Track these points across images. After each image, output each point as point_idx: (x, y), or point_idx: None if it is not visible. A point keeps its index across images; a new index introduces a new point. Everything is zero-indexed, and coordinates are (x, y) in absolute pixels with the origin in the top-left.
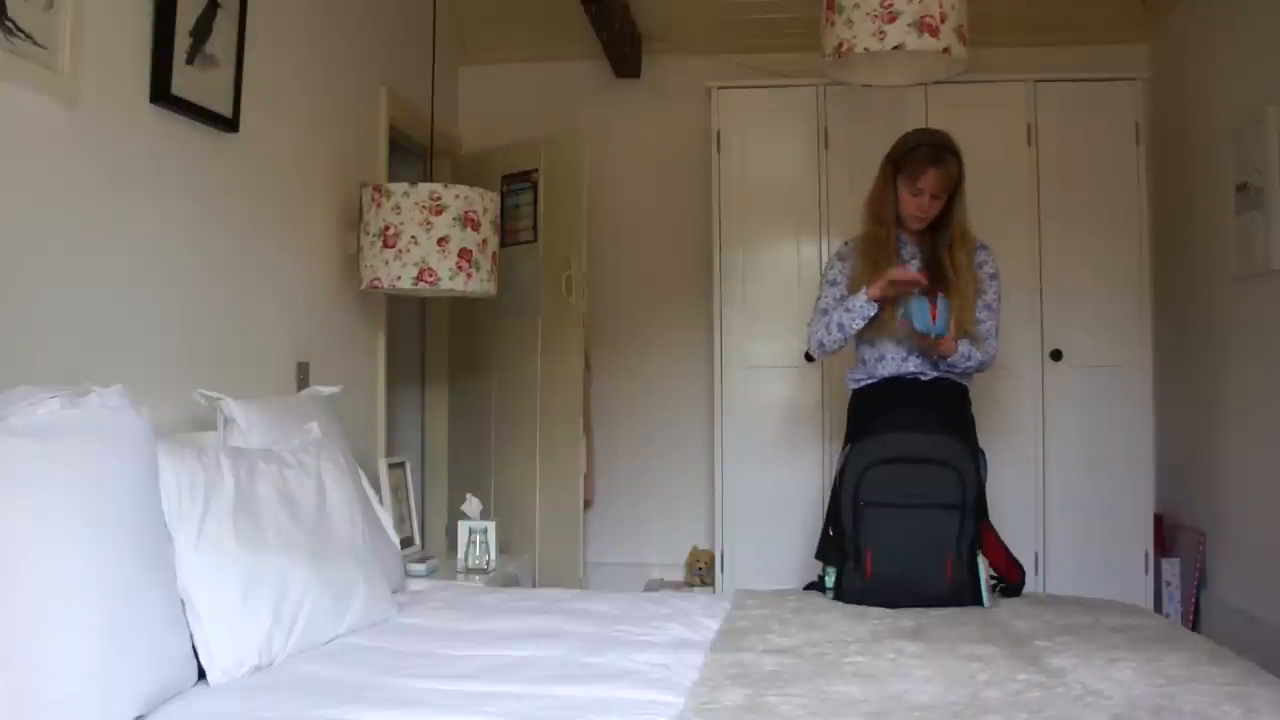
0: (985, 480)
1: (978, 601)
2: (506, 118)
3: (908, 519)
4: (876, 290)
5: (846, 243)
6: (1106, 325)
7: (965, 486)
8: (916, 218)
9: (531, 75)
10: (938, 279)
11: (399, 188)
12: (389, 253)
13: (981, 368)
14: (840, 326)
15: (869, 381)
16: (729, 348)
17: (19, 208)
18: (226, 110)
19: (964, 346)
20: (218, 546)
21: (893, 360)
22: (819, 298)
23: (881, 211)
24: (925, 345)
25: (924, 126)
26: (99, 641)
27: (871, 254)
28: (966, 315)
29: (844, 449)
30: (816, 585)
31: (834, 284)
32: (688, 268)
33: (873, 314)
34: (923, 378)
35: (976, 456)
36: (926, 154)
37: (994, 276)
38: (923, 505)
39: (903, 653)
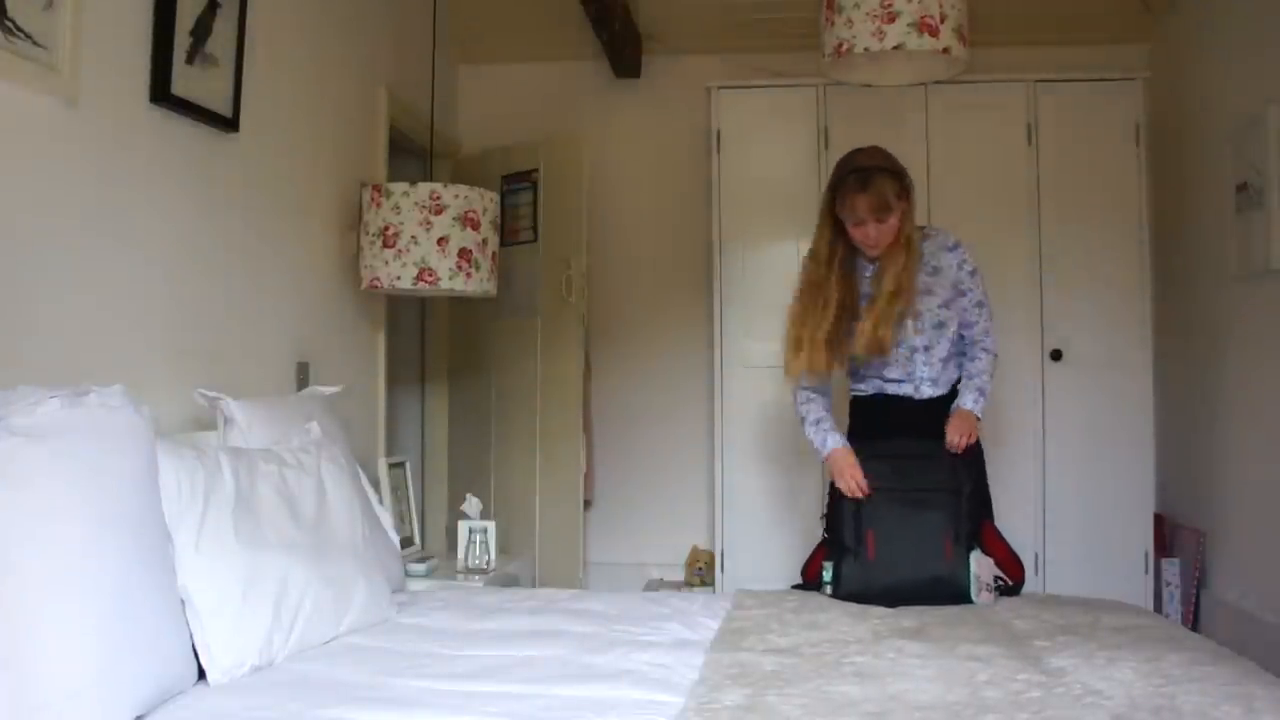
0: (987, 480)
1: (967, 595)
2: (506, 118)
3: (908, 501)
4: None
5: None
6: (1106, 325)
7: (961, 480)
8: (868, 245)
9: (531, 75)
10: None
11: (399, 187)
12: (389, 252)
13: (991, 368)
14: (810, 435)
15: (869, 392)
16: (729, 348)
17: (19, 208)
18: (226, 110)
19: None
20: (218, 546)
21: (885, 383)
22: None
23: (817, 247)
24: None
25: (859, 147)
26: (99, 641)
27: (809, 296)
28: (883, 330)
29: None
30: (805, 585)
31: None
32: (687, 268)
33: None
34: (916, 397)
35: (976, 455)
36: (852, 181)
37: (974, 273)
38: (923, 489)
39: (903, 652)
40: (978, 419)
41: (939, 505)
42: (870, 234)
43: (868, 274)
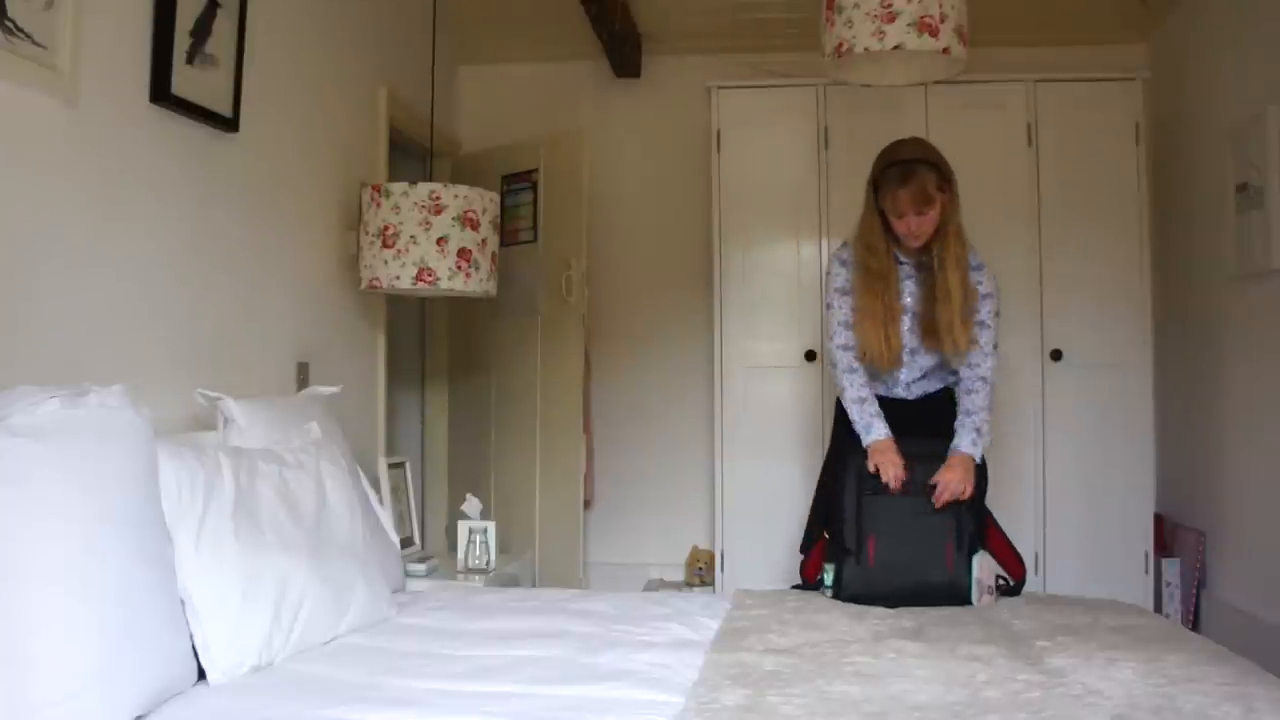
0: (986, 481)
1: (968, 599)
2: (506, 118)
3: (908, 506)
4: (871, 465)
5: (845, 244)
6: (1106, 325)
7: None
8: (910, 237)
9: (531, 75)
10: (931, 290)
11: (398, 187)
12: (388, 252)
13: (990, 401)
14: (854, 414)
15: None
16: (729, 347)
17: (19, 208)
18: (226, 110)
19: (976, 396)
20: (218, 546)
21: (884, 384)
22: (830, 306)
23: (871, 240)
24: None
25: (900, 138)
26: (99, 641)
27: (870, 288)
28: (956, 323)
29: (834, 446)
30: (804, 585)
31: (846, 293)
32: (688, 267)
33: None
34: (887, 396)
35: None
36: (895, 174)
37: (987, 296)
38: (922, 494)
39: (903, 653)
40: (976, 463)
41: (941, 509)
42: (912, 226)
43: (907, 265)
